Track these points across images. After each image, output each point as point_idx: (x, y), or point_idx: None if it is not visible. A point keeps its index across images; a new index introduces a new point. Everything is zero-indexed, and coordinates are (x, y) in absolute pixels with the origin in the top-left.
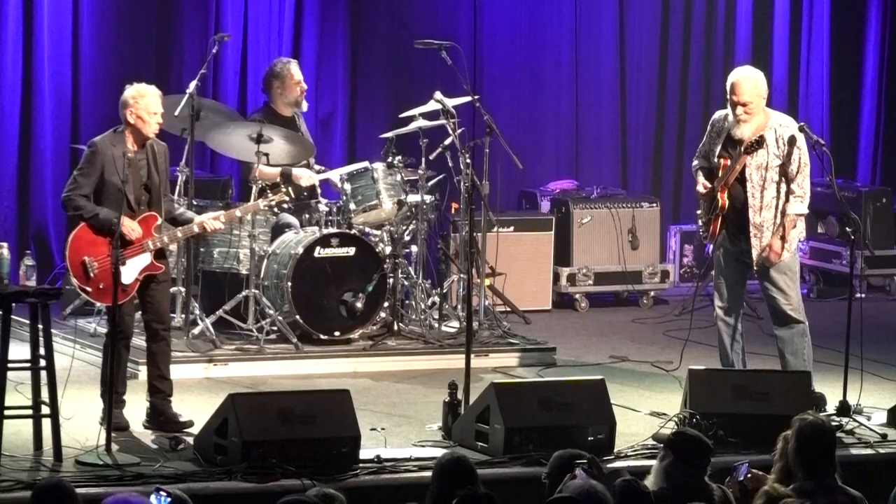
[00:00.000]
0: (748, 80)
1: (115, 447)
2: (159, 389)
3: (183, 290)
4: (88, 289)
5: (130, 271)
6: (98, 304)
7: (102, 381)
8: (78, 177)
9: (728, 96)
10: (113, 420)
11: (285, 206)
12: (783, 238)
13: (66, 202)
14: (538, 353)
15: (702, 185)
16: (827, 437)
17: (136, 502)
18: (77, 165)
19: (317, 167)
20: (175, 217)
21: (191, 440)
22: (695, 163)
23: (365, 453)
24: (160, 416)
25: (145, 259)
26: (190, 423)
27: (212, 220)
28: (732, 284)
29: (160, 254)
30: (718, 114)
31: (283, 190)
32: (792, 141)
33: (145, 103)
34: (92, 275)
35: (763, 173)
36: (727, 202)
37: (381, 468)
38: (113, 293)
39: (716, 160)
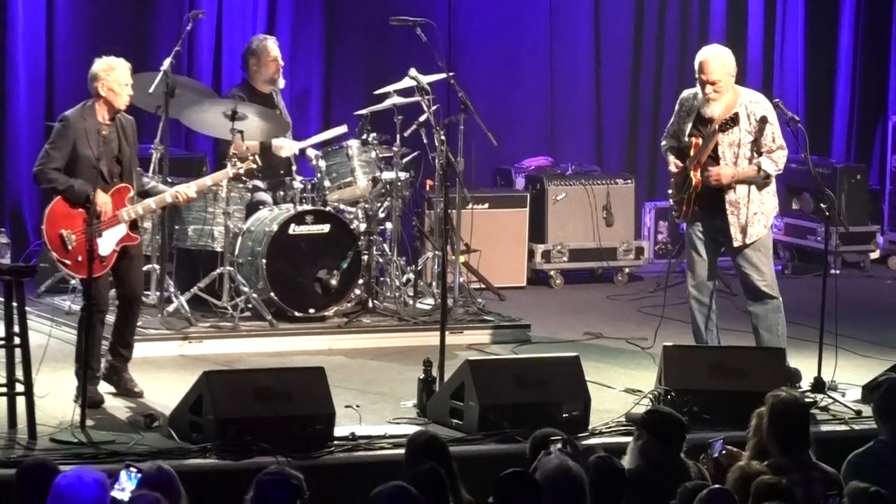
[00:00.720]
0: (716, 59)
1: (89, 424)
2: (120, 353)
3: (157, 267)
4: (67, 262)
5: (107, 243)
6: (73, 281)
7: (77, 358)
8: (50, 150)
9: (697, 75)
10: (87, 395)
11: (255, 174)
12: (738, 175)
13: (39, 175)
14: (513, 329)
15: (673, 164)
16: (800, 413)
17: (91, 478)
18: (48, 139)
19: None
20: (147, 191)
21: (166, 417)
22: (664, 143)
23: (340, 430)
24: (114, 376)
25: (121, 230)
26: (140, 392)
27: (184, 189)
28: (705, 262)
29: (134, 225)
30: (687, 93)
31: (251, 158)
32: (764, 119)
33: (116, 75)
34: (70, 247)
35: (736, 150)
36: (700, 181)
37: (356, 445)
38: (88, 267)
39: (686, 139)
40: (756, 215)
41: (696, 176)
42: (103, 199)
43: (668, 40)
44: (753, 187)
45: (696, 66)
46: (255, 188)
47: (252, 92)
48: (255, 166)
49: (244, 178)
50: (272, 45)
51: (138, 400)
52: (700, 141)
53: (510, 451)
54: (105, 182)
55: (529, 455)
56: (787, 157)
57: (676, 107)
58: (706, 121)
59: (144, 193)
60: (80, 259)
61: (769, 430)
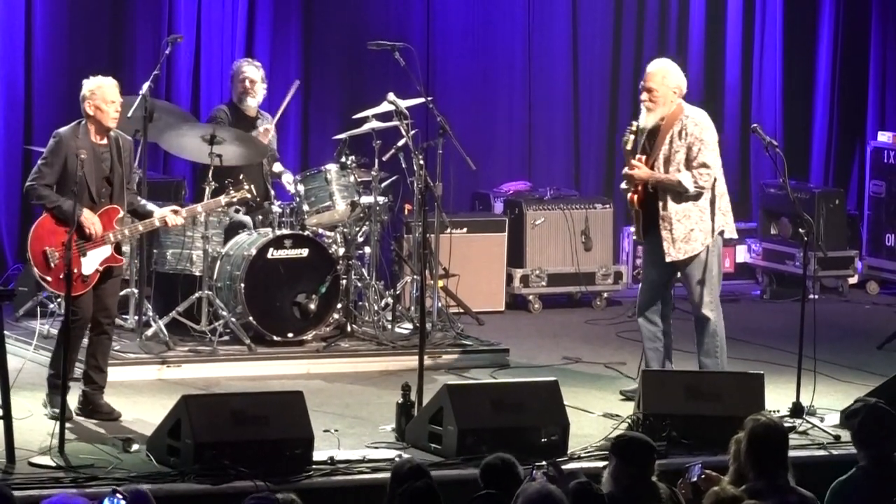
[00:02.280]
0: (660, 70)
1: (68, 448)
2: (93, 380)
3: (136, 291)
4: (49, 278)
5: (91, 262)
6: (51, 305)
7: (51, 365)
8: (42, 167)
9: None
10: (55, 408)
11: (249, 203)
12: (654, 178)
13: (30, 191)
14: (491, 354)
15: (623, 183)
16: (778, 437)
17: (75, 503)
18: (42, 156)
19: (277, 168)
20: (136, 209)
21: (144, 442)
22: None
23: (318, 455)
24: (90, 406)
25: (106, 251)
26: (118, 415)
27: (172, 214)
28: (652, 281)
29: (119, 247)
30: None
31: (246, 188)
32: (696, 138)
33: (102, 93)
34: (53, 265)
35: (668, 166)
36: (636, 197)
37: (335, 470)
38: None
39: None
40: (693, 232)
41: (636, 195)
42: (91, 220)
43: (646, 65)
44: (690, 204)
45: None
46: (237, 209)
47: (236, 112)
48: (249, 196)
49: (238, 207)
50: (245, 67)
51: (117, 424)
52: (643, 157)
53: None
54: (92, 202)
55: (482, 483)
56: (764, 182)
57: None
58: (649, 134)
59: (133, 211)
60: (61, 277)
61: (747, 453)
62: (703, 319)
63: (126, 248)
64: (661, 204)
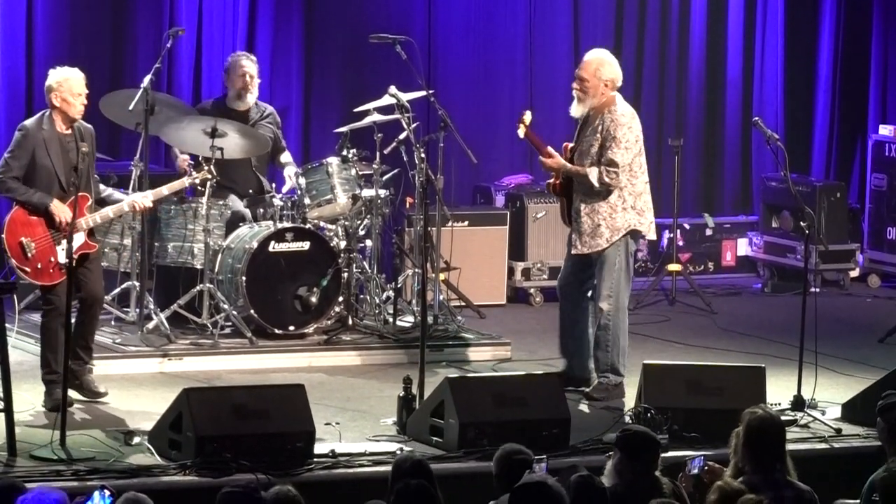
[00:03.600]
0: (593, 61)
1: (69, 441)
2: (81, 357)
3: (137, 284)
4: (27, 269)
5: (67, 250)
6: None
7: (42, 364)
8: (9, 159)
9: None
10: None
11: (210, 183)
12: (564, 167)
13: None
14: (493, 347)
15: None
16: (775, 430)
17: (52, 498)
18: (8, 148)
19: (284, 158)
20: (103, 199)
21: (145, 435)
22: None
23: (319, 448)
24: (76, 381)
25: (79, 238)
26: (104, 394)
27: (141, 198)
28: (570, 267)
29: (91, 233)
30: None
31: (206, 168)
32: (610, 134)
33: (69, 86)
34: (30, 255)
35: (583, 159)
36: (556, 185)
37: (336, 463)
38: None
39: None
40: (599, 228)
41: (556, 183)
42: (62, 210)
43: (647, 59)
44: (601, 199)
45: None
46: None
47: (224, 108)
48: (209, 177)
49: (200, 187)
50: (244, 61)
51: (118, 417)
52: (570, 146)
53: (490, 470)
54: (62, 191)
55: (496, 472)
56: (766, 176)
57: None
58: (581, 124)
59: (101, 201)
60: (38, 266)
61: (744, 446)
62: (598, 310)
63: (127, 242)
64: (574, 196)
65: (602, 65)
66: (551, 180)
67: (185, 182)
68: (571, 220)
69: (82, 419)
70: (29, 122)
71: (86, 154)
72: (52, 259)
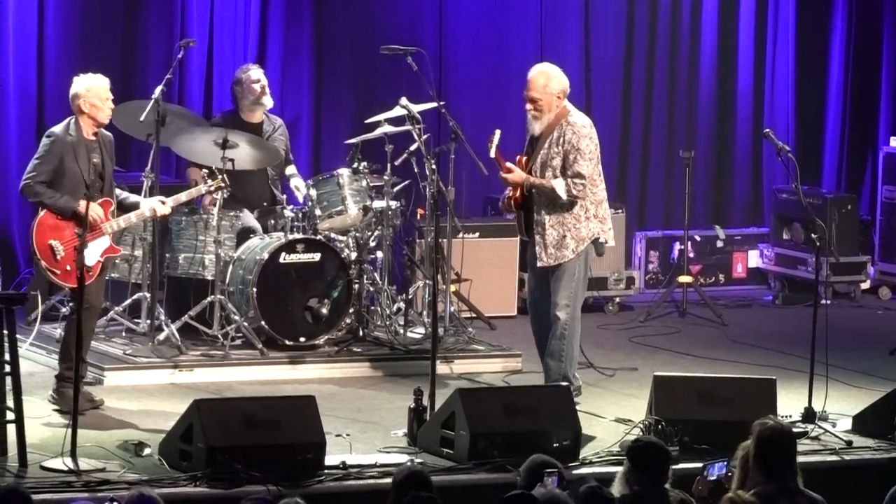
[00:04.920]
0: (539, 77)
1: (79, 452)
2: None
3: (148, 295)
4: (57, 271)
5: (93, 253)
6: (63, 309)
7: (62, 359)
8: (37, 165)
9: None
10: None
11: (224, 192)
12: (529, 181)
13: (26, 189)
14: (503, 359)
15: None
16: (786, 440)
17: None
18: (36, 154)
19: (289, 170)
20: (121, 202)
21: (156, 446)
22: None
23: (330, 459)
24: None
25: (105, 242)
26: (101, 402)
27: (160, 204)
28: (532, 280)
29: (116, 237)
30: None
31: (220, 177)
32: (572, 146)
33: (96, 91)
34: (59, 257)
35: (544, 171)
36: (517, 198)
37: (346, 474)
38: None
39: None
40: (565, 239)
41: (515, 196)
42: (95, 210)
43: (658, 71)
44: (564, 210)
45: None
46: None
47: (237, 120)
48: (223, 185)
49: (214, 195)
50: (254, 70)
51: (129, 427)
52: (525, 160)
53: (500, 481)
54: (88, 195)
55: (523, 482)
56: (777, 188)
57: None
58: (533, 140)
59: (118, 205)
60: (68, 268)
61: (755, 457)
62: (554, 319)
63: (138, 253)
64: (535, 209)
65: (549, 79)
66: (508, 194)
67: (201, 189)
68: (533, 234)
69: (93, 430)
70: (57, 128)
71: (97, 164)
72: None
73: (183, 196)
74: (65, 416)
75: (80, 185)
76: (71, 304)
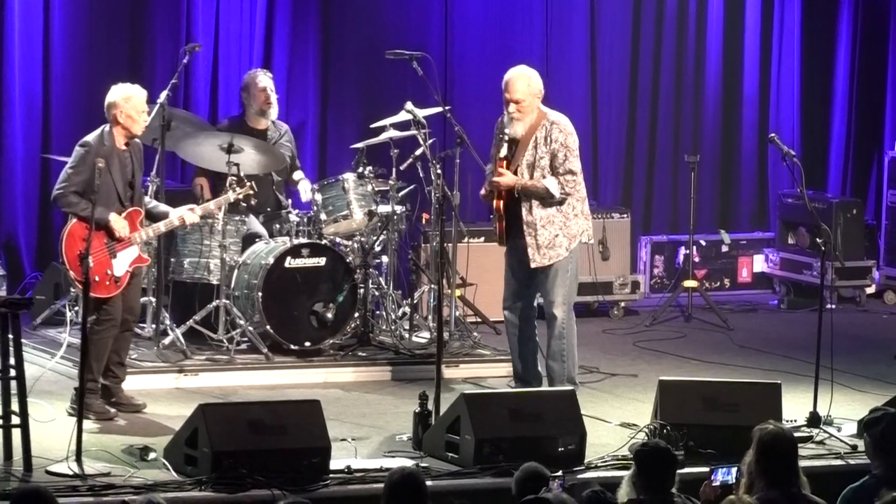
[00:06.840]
0: (521, 79)
1: (84, 457)
2: (115, 374)
3: (154, 300)
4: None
5: (121, 263)
6: (69, 313)
7: (81, 374)
8: (71, 174)
9: (503, 94)
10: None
11: (252, 199)
12: (520, 184)
13: (59, 199)
14: (509, 363)
15: (483, 188)
16: (787, 445)
17: None
18: (69, 164)
19: (297, 175)
20: (149, 210)
21: (161, 450)
22: (487, 167)
23: (335, 464)
24: (112, 398)
25: (134, 252)
26: (143, 406)
27: (189, 213)
28: (516, 285)
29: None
30: (503, 117)
31: (248, 184)
32: (560, 143)
33: (133, 103)
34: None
35: (532, 170)
36: (501, 201)
37: (351, 479)
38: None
39: (494, 162)
40: (557, 238)
41: (499, 199)
42: (121, 223)
43: (664, 75)
44: (554, 209)
45: (503, 86)
46: (248, 203)
47: (243, 126)
48: (252, 192)
49: (243, 203)
50: (261, 77)
51: (134, 433)
52: (506, 162)
53: (505, 485)
54: (121, 205)
55: (515, 492)
56: (782, 192)
57: (495, 131)
58: (513, 142)
59: (147, 214)
60: (96, 279)
61: (757, 463)
62: (552, 318)
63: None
64: (525, 210)
65: (530, 79)
66: (495, 200)
67: (230, 198)
68: (523, 236)
69: (98, 435)
70: (91, 137)
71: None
72: (109, 272)
73: (212, 205)
74: (92, 422)
75: (113, 195)
76: (100, 316)
